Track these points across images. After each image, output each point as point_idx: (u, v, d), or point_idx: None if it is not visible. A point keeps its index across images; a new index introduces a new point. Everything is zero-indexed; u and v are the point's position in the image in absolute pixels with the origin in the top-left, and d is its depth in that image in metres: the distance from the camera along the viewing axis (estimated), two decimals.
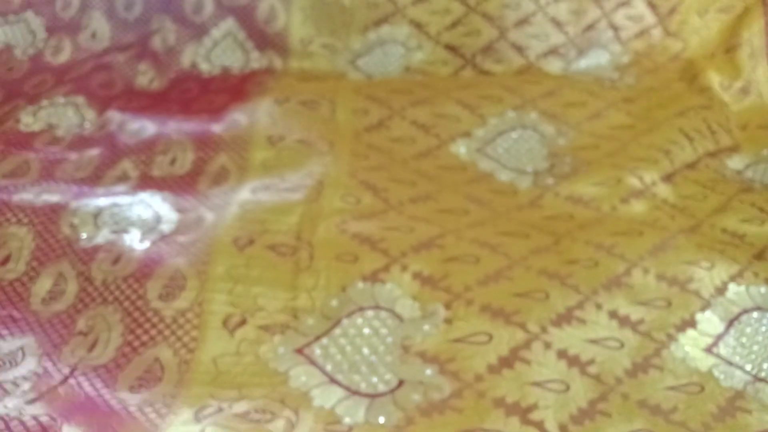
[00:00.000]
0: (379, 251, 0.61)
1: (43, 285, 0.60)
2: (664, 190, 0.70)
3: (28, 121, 0.81)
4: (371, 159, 0.75)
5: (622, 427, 0.47)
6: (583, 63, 0.90)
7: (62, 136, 0.78)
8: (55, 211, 0.66)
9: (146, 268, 0.60)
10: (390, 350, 0.54)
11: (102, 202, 0.67)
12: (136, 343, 0.54)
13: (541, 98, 0.84)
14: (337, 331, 0.55)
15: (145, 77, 0.89)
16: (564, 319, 0.55)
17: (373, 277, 0.59)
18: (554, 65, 0.90)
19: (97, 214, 0.66)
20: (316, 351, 0.54)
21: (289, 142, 0.76)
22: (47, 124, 0.79)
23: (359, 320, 0.56)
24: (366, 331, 0.55)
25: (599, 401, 0.49)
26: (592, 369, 0.51)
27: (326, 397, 0.50)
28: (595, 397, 0.49)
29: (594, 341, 0.54)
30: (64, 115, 0.81)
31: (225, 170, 0.72)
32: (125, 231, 0.64)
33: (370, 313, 0.57)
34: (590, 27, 0.90)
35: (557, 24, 0.90)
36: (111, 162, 0.73)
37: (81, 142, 0.78)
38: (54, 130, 0.79)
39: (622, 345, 0.53)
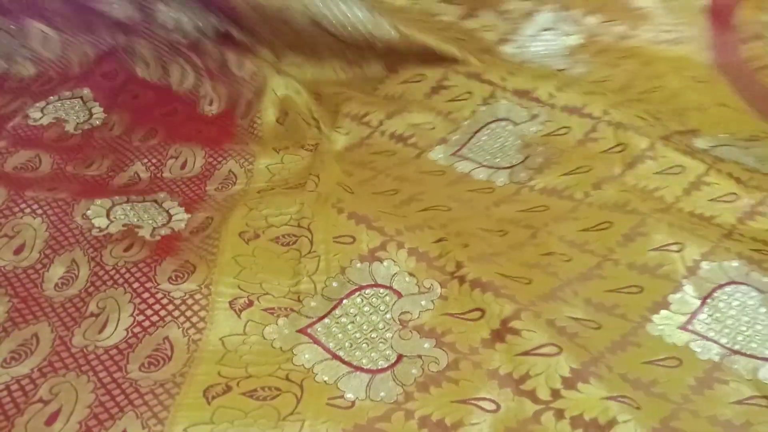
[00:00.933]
0: (375, 230, 0.62)
1: (56, 271, 0.61)
2: (632, 174, 0.70)
3: (37, 116, 0.82)
4: (355, 175, 0.75)
5: (611, 391, 0.47)
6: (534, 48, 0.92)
7: (71, 132, 0.79)
8: (68, 203, 0.67)
9: (157, 256, 0.61)
10: (389, 326, 0.55)
11: (115, 199, 0.68)
12: (146, 324, 0.55)
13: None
14: (338, 311, 0.57)
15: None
16: (549, 297, 0.56)
17: (371, 256, 0.60)
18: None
19: (109, 209, 0.67)
20: (319, 330, 0.55)
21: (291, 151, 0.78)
22: (55, 119, 0.81)
23: (359, 299, 0.58)
24: (366, 308, 0.57)
25: (590, 364, 0.49)
26: (579, 340, 0.52)
27: (329, 373, 0.52)
28: (578, 367, 0.49)
29: (575, 319, 0.55)
30: (72, 109, 0.82)
31: (232, 174, 0.74)
32: (137, 225, 0.65)
33: (368, 291, 0.58)
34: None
35: None
36: (122, 164, 0.74)
37: (90, 138, 0.79)
38: (63, 124, 0.81)
39: (600, 326, 0.54)
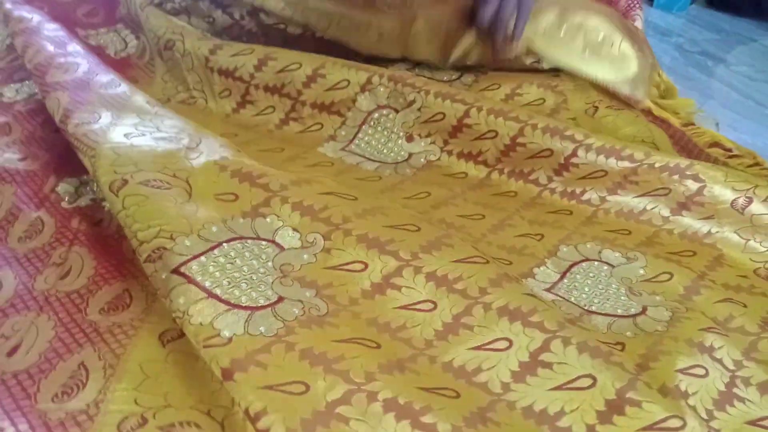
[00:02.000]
0: (259, 186, 0.59)
1: (21, 226, 0.63)
2: (508, 165, 0.76)
3: (11, 95, 0.85)
4: (239, 136, 0.75)
5: (482, 338, 0.51)
6: None
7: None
8: (37, 174, 0.70)
9: (123, 230, 0.59)
10: (270, 272, 0.53)
11: (83, 178, 0.70)
12: (108, 276, 0.59)
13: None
14: (217, 251, 0.52)
15: None
16: (433, 246, 0.58)
17: (254, 212, 0.57)
18: None
19: (77, 186, 0.70)
20: (193, 268, 0.50)
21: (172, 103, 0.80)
22: (28, 95, 0.83)
23: (239, 245, 0.54)
24: (246, 254, 0.53)
25: (463, 314, 0.53)
26: (459, 285, 0.54)
27: (204, 313, 0.48)
28: (460, 311, 0.53)
29: (459, 261, 0.57)
30: None
31: None
32: (104, 199, 0.65)
33: (250, 241, 0.55)
34: None
35: None
36: None
37: None
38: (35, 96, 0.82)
39: (487, 261, 0.58)
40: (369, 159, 0.79)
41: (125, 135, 0.64)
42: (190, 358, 0.49)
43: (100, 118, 0.67)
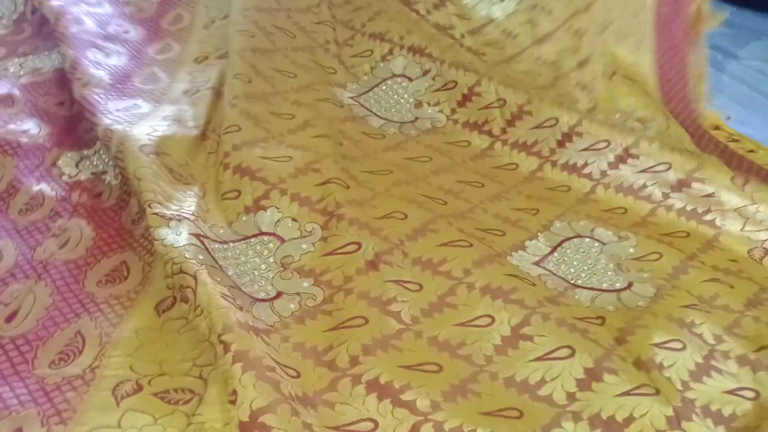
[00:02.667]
0: (259, 180, 0.64)
1: (21, 198, 0.65)
2: (513, 135, 0.77)
3: (15, 69, 0.87)
4: (254, 85, 0.77)
5: (470, 313, 0.54)
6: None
7: (45, 73, 0.83)
8: (39, 148, 0.71)
9: (123, 202, 0.65)
10: (271, 268, 0.58)
11: (84, 152, 0.72)
12: (106, 248, 0.60)
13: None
14: (224, 246, 0.59)
15: None
16: (419, 232, 0.62)
17: (255, 206, 0.62)
18: None
19: (78, 160, 0.71)
20: (208, 244, 0.57)
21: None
22: (32, 69, 0.84)
23: (243, 245, 0.60)
24: (250, 252, 0.59)
25: (448, 294, 0.56)
26: (444, 267, 0.58)
27: (220, 277, 0.54)
28: (444, 291, 0.56)
29: (446, 244, 0.60)
30: (48, 57, 0.86)
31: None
32: (104, 172, 0.69)
33: (253, 240, 0.60)
34: None
35: None
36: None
37: (62, 79, 0.82)
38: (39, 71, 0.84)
39: (471, 245, 0.61)
40: (375, 114, 0.82)
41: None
42: (184, 326, 0.51)
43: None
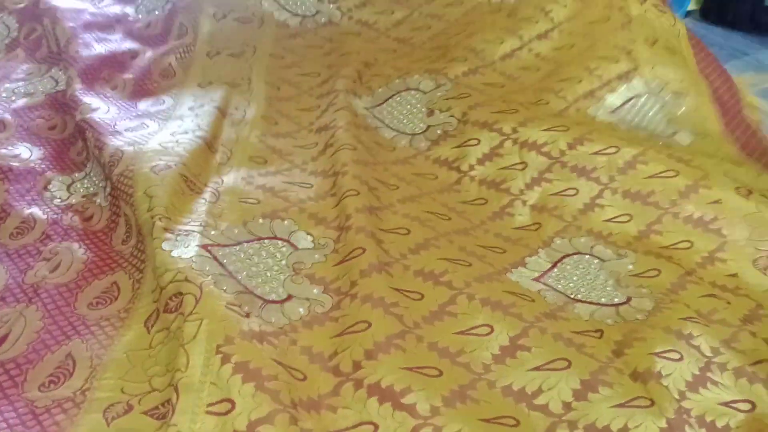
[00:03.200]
0: (280, 197, 0.67)
1: (12, 222, 0.65)
2: (523, 134, 0.78)
3: (7, 94, 0.88)
4: (279, 124, 0.81)
5: (469, 321, 0.56)
6: None
7: (38, 97, 0.85)
8: (30, 172, 0.71)
9: (113, 224, 0.66)
10: (283, 270, 0.59)
11: (75, 175, 0.73)
12: (96, 271, 0.61)
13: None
14: (237, 248, 0.60)
15: None
16: (422, 247, 0.63)
17: (272, 215, 0.64)
18: None
19: (69, 184, 0.72)
20: (219, 252, 0.58)
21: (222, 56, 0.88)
22: (25, 93, 0.85)
23: (257, 244, 0.61)
24: (263, 253, 0.60)
25: (448, 304, 0.57)
26: (445, 278, 0.59)
27: (228, 285, 0.55)
28: (445, 301, 0.57)
29: (447, 260, 0.62)
30: (40, 82, 0.88)
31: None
32: (95, 194, 0.70)
33: (266, 241, 0.62)
34: None
35: None
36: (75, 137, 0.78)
37: (54, 103, 0.84)
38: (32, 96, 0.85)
39: (470, 264, 0.62)
40: (388, 126, 0.84)
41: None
42: (167, 336, 0.52)
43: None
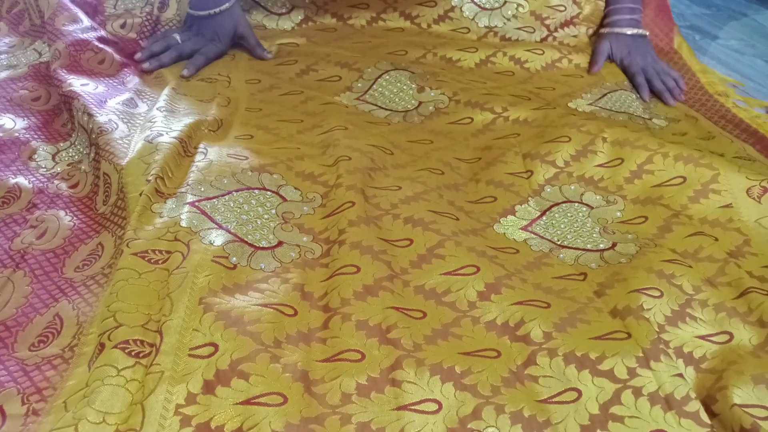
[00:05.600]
0: (269, 156, 0.68)
1: None
2: (514, 113, 0.81)
3: None
4: (264, 110, 0.81)
5: (456, 263, 0.58)
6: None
7: (21, 69, 0.86)
8: (14, 142, 0.73)
9: (95, 187, 0.68)
10: (273, 219, 0.61)
11: (60, 145, 0.74)
12: (83, 236, 0.62)
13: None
14: (226, 197, 0.62)
15: None
16: (412, 199, 0.65)
17: (260, 168, 0.66)
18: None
19: (54, 153, 0.73)
20: (207, 206, 0.60)
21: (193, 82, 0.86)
22: (8, 65, 0.87)
23: (246, 193, 0.63)
24: (252, 201, 0.62)
25: (436, 247, 0.59)
26: (433, 226, 0.61)
27: (215, 237, 0.57)
28: (433, 245, 0.59)
29: (434, 212, 0.64)
30: (23, 54, 0.89)
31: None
32: (80, 161, 0.72)
33: (256, 191, 0.63)
34: None
35: None
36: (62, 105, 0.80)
37: (38, 75, 0.85)
38: (15, 67, 0.87)
39: (458, 218, 0.64)
40: (381, 107, 0.85)
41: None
42: (133, 277, 0.54)
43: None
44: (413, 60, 0.92)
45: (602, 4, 1.03)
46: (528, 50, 0.95)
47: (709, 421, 0.47)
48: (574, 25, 1.02)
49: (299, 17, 1.01)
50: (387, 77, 0.87)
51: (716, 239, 0.63)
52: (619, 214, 0.68)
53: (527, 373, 0.49)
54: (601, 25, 1.03)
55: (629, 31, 1.00)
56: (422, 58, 0.93)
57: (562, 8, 1.01)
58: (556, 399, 0.48)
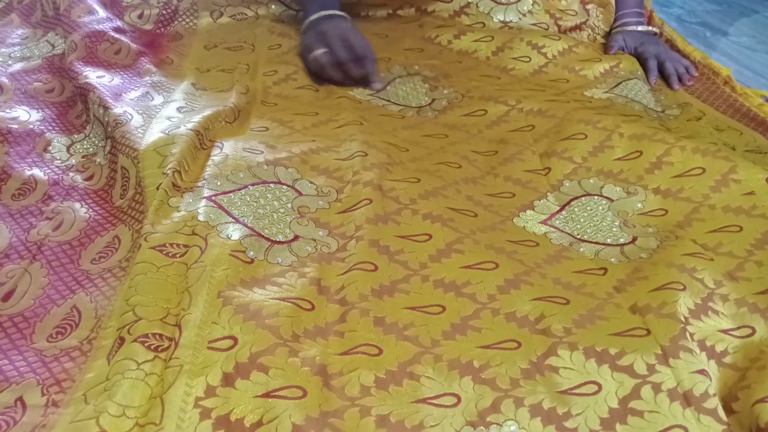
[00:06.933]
0: (283, 149, 0.68)
1: (14, 184, 0.68)
2: (527, 104, 0.81)
3: (3, 59, 0.88)
4: (279, 105, 0.81)
5: (473, 258, 0.58)
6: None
7: (35, 61, 0.86)
8: (29, 134, 0.74)
9: (112, 180, 0.68)
10: (289, 213, 0.61)
11: (75, 137, 0.75)
12: (99, 228, 0.62)
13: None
14: (243, 191, 0.62)
15: None
16: (431, 194, 0.65)
17: (275, 162, 0.66)
18: None
19: (69, 145, 0.74)
20: (223, 200, 0.60)
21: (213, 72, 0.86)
22: (21, 57, 0.87)
23: (262, 187, 0.63)
24: (269, 195, 0.62)
25: (455, 243, 0.59)
26: (452, 224, 0.61)
27: (232, 231, 0.57)
28: (452, 240, 0.60)
29: (453, 209, 0.64)
30: (36, 46, 0.90)
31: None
32: (95, 154, 0.72)
33: (272, 185, 0.63)
34: None
35: None
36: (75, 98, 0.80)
37: (51, 67, 0.85)
38: (29, 59, 0.87)
39: (476, 215, 0.64)
40: (393, 103, 0.85)
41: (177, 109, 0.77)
42: (151, 270, 0.54)
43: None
44: (429, 57, 0.92)
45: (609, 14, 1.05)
46: (545, 36, 0.95)
47: (726, 419, 0.47)
48: (582, 30, 1.04)
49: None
50: (399, 80, 0.88)
51: (740, 228, 0.63)
52: (640, 205, 0.68)
53: (548, 363, 0.49)
54: (611, 30, 1.06)
55: (640, 28, 1.02)
56: (438, 55, 0.93)
57: (573, 12, 1.02)
58: (576, 391, 0.48)
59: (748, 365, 0.51)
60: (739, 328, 0.53)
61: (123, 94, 0.78)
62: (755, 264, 0.59)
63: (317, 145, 0.71)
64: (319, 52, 0.83)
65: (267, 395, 0.45)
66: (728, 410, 0.48)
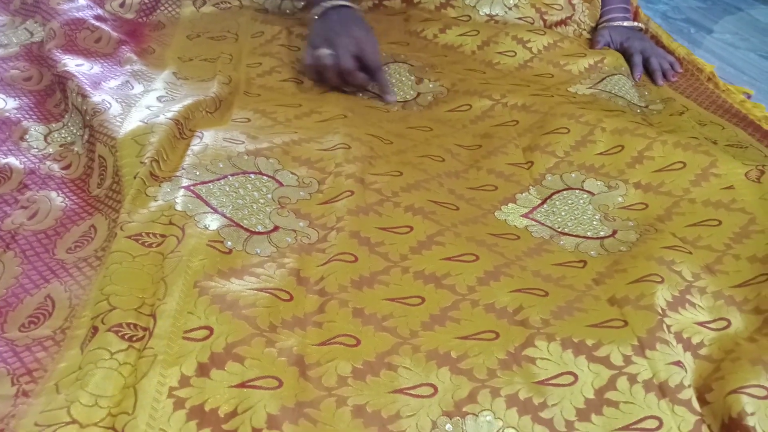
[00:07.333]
0: (265, 140, 0.67)
1: None
2: (512, 99, 0.81)
3: None
4: (262, 96, 0.80)
5: (454, 250, 0.58)
6: None
7: (12, 48, 0.85)
8: (5, 123, 0.72)
9: (89, 169, 0.67)
10: (269, 203, 0.61)
11: (52, 125, 0.74)
12: (75, 218, 0.61)
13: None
14: (222, 181, 0.61)
15: None
16: (413, 187, 0.65)
17: (256, 153, 0.65)
18: None
19: (47, 134, 0.73)
20: (202, 190, 0.59)
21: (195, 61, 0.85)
22: None
23: (242, 178, 0.62)
24: (248, 186, 0.61)
25: (436, 235, 0.59)
26: (434, 216, 0.61)
27: (211, 221, 0.56)
28: (433, 233, 0.60)
29: (434, 202, 0.64)
30: (14, 33, 0.88)
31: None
32: (72, 143, 0.71)
33: (252, 175, 0.63)
34: None
35: None
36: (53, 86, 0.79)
37: (30, 55, 0.84)
38: (6, 47, 0.86)
39: (458, 208, 0.64)
40: (378, 97, 0.85)
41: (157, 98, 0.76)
42: (127, 260, 0.53)
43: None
44: (415, 50, 0.91)
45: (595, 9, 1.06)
46: (530, 31, 0.95)
47: (699, 410, 0.47)
48: (568, 25, 1.04)
49: (301, 2, 1.00)
50: (386, 69, 0.87)
51: (719, 223, 0.63)
52: (620, 199, 0.68)
53: (525, 354, 0.49)
54: (597, 25, 1.06)
55: (625, 23, 1.02)
56: (423, 49, 0.92)
57: (559, 7, 1.02)
58: (553, 381, 0.48)
59: (723, 357, 0.51)
60: (715, 320, 0.54)
61: (102, 83, 0.77)
62: (733, 257, 0.60)
63: (299, 136, 0.70)
64: (325, 52, 0.81)
65: (242, 385, 0.45)
66: (702, 401, 0.48)
